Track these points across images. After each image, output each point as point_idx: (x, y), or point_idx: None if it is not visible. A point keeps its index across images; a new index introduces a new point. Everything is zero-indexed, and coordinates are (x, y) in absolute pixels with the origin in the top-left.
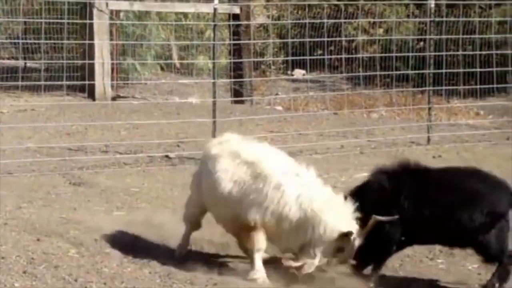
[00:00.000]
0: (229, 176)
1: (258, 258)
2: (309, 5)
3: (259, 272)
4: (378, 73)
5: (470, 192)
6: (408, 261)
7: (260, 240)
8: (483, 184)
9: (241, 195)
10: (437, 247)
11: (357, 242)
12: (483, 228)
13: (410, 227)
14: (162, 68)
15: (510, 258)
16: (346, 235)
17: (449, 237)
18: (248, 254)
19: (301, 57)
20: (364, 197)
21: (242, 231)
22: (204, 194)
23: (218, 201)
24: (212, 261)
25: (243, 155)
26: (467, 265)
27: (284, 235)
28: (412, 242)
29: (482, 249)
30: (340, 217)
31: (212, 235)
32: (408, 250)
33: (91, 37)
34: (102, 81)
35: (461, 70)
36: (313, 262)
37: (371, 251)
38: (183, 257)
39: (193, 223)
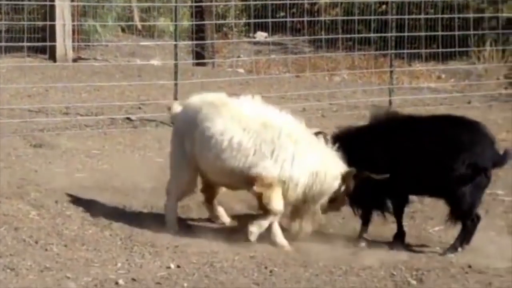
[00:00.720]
0: (235, 128)
1: (275, 222)
2: None
3: (278, 237)
4: (340, 36)
5: (456, 141)
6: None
7: (278, 202)
8: (470, 135)
9: (251, 145)
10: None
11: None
12: (461, 179)
13: (394, 176)
14: (123, 30)
15: (473, 222)
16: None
17: (428, 186)
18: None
19: (263, 20)
20: (350, 146)
21: (257, 188)
22: (200, 155)
23: (221, 158)
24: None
25: (245, 109)
26: (428, 228)
27: (292, 189)
28: (399, 191)
29: (453, 200)
30: (336, 167)
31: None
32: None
33: None
34: (63, 42)
35: (423, 33)
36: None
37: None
38: (144, 219)
39: (186, 190)
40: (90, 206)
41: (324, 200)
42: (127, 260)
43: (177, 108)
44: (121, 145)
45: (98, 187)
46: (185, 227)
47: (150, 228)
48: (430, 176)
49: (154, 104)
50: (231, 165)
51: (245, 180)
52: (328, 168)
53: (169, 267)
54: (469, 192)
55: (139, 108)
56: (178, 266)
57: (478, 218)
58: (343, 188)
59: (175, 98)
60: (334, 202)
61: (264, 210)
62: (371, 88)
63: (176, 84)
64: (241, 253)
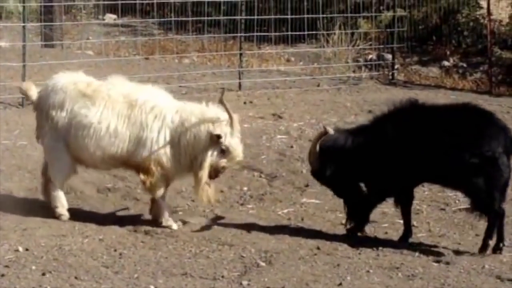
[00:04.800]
0: (110, 113)
1: (164, 204)
2: None
3: (169, 220)
4: (190, 18)
5: (467, 131)
6: None
7: (161, 186)
8: (482, 124)
9: (126, 130)
10: None
11: (233, 141)
12: (473, 170)
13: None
14: None
15: (497, 215)
16: (218, 137)
17: (442, 175)
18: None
19: (113, 2)
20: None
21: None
22: (75, 143)
23: (100, 146)
24: (21, 207)
25: (114, 94)
26: (277, 210)
27: (175, 161)
28: (412, 179)
29: (469, 192)
30: (207, 122)
31: (21, 181)
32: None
33: None
34: None
35: (273, 16)
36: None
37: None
38: None
39: (68, 174)
40: None
41: (205, 161)
42: None
43: (32, 88)
44: None
45: None
46: (33, 210)
47: None
48: (443, 164)
49: (1, 85)
50: (111, 153)
51: (127, 166)
52: (194, 127)
53: (17, 250)
54: (484, 183)
55: None
56: (27, 249)
57: (502, 211)
58: (216, 149)
59: (23, 80)
60: (215, 165)
61: (151, 194)
62: (220, 71)
63: (24, 66)
64: (90, 236)
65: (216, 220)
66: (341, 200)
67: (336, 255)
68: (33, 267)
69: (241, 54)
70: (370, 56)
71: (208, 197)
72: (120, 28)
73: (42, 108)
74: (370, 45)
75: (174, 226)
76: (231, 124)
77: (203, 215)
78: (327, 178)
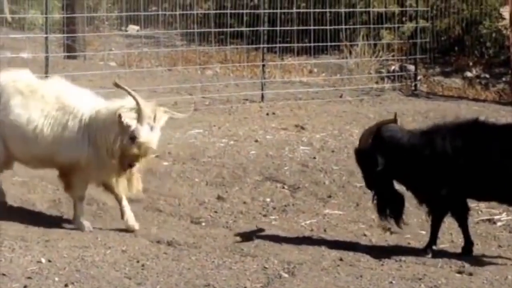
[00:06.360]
0: (39, 114)
1: (81, 206)
2: None
3: (79, 220)
4: (212, 30)
5: None
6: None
7: (83, 188)
8: None
9: (50, 132)
10: None
11: (142, 128)
12: None
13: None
14: None
15: None
16: (119, 116)
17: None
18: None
19: (135, 13)
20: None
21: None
22: (10, 141)
23: (27, 140)
24: (44, 218)
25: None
26: (300, 221)
27: (94, 158)
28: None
29: None
30: (114, 110)
31: (43, 192)
32: None
33: None
34: None
35: (295, 28)
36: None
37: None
38: (14, 213)
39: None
40: None
41: (115, 148)
42: None
43: None
44: None
45: None
46: (56, 221)
47: (20, 223)
48: (500, 183)
49: None
50: (38, 153)
51: (54, 167)
52: (104, 117)
53: (40, 261)
54: None
55: None
56: (49, 261)
57: None
58: (125, 136)
59: None
60: (125, 151)
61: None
62: (243, 82)
63: (47, 77)
64: (112, 247)
65: (239, 231)
66: (364, 212)
67: (359, 266)
68: (56, 279)
69: (263, 65)
70: (392, 67)
71: (125, 189)
72: (143, 39)
73: None
74: (393, 56)
75: (85, 229)
76: (138, 110)
77: (226, 226)
78: (367, 162)
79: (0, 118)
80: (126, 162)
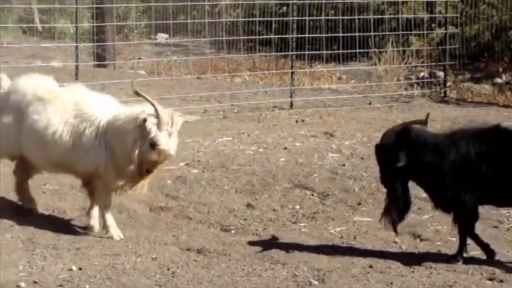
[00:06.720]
0: (58, 119)
1: (108, 214)
2: None
3: (112, 227)
4: (241, 37)
5: None
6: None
7: (107, 196)
8: None
9: (69, 138)
10: None
11: (162, 134)
12: None
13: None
14: (24, 32)
15: None
16: (144, 121)
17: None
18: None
19: (164, 21)
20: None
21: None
22: (27, 146)
23: (47, 146)
24: (75, 226)
25: (67, 101)
26: (330, 228)
27: (113, 165)
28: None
29: None
30: (134, 115)
31: (74, 200)
32: None
33: None
34: None
35: (324, 35)
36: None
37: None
38: (46, 221)
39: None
40: None
41: (134, 154)
42: (29, 263)
43: (6, 81)
44: None
45: None
46: (87, 229)
47: (52, 231)
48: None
49: None
50: (56, 159)
51: (72, 174)
52: (122, 123)
53: (71, 269)
54: None
55: None
56: (80, 268)
57: None
58: (144, 142)
59: None
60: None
61: (97, 204)
62: (272, 90)
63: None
64: (143, 255)
65: (269, 239)
66: None
67: (389, 273)
68: (87, 286)
69: (292, 73)
70: (422, 74)
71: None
72: (172, 47)
73: (6, 105)
74: (422, 62)
75: (116, 237)
76: (158, 116)
77: (255, 233)
78: (387, 158)
79: (18, 124)
80: (144, 168)
